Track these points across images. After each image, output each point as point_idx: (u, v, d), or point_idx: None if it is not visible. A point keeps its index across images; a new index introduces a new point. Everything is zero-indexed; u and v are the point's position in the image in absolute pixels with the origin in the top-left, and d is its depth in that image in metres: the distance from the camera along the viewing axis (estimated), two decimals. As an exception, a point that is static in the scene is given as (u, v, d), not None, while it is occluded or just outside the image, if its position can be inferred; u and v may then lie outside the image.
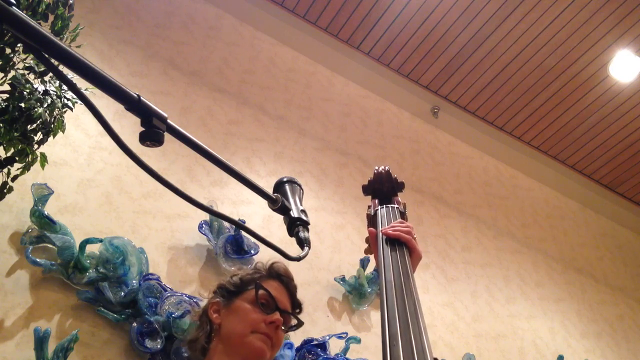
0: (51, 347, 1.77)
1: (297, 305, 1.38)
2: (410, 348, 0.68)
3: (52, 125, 1.77)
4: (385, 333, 0.73)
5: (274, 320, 1.24)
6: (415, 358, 0.66)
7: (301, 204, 0.94)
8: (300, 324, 1.37)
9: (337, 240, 2.87)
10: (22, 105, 1.65)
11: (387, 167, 1.35)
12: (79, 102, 1.62)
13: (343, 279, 2.63)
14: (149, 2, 3.22)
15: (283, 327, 1.28)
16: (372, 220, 1.23)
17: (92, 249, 2.00)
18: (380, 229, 1.12)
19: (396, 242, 1.05)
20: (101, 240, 2.01)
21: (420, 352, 0.67)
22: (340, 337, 2.38)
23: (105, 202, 2.27)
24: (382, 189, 1.32)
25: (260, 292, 1.27)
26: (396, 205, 1.24)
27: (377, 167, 1.36)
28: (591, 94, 3.82)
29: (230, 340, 1.22)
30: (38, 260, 1.91)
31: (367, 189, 1.35)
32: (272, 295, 1.28)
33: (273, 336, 1.23)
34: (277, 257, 0.85)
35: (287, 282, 1.36)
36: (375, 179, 1.34)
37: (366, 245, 1.22)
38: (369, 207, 1.29)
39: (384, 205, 1.24)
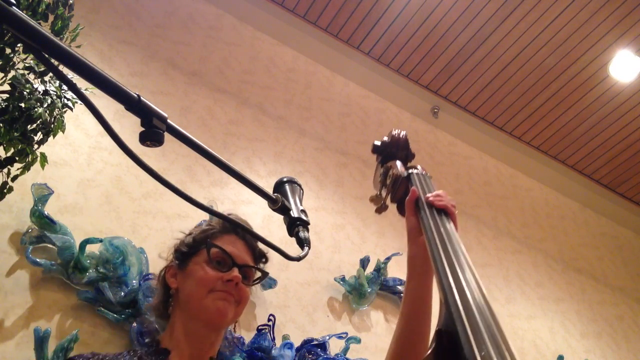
0: (51, 347, 1.77)
1: (259, 257, 1.27)
2: (487, 322, 0.64)
3: (52, 125, 1.77)
4: (457, 303, 0.67)
5: (231, 278, 1.15)
6: (496, 333, 0.62)
7: (301, 204, 0.94)
8: (264, 275, 1.27)
9: (337, 240, 2.87)
10: (22, 105, 1.65)
11: (405, 133, 1.29)
12: (79, 102, 1.62)
13: (343, 279, 2.62)
14: (149, 2, 3.22)
15: (246, 282, 1.19)
16: (398, 181, 1.16)
17: (92, 249, 2.00)
18: (422, 195, 1.07)
19: (442, 212, 1.01)
20: (101, 240, 2.01)
21: (495, 329, 0.63)
22: (340, 337, 2.38)
23: (105, 202, 2.27)
24: (396, 153, 1.26)
25: (213, 250, 1.18)
26: (428, 174, 1.18)
27: (396, 131, 1.30)
28: (591, 94, 3.82)
29: (189, 304, 1.15)
30: (38, 260, 1.91)
31: (379, 149, 1.29)
32: (227, 251, 1.18)
33: (234, 293, 1.15)
34: (278, 257, 0.84)
35: (243, 234, 1.24)
36: (392, 142, 1.28)
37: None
38: (388, 166, 1.22)
39: (417, 171, 1.17)
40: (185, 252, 1.23)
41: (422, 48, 3.73)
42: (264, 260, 1.29)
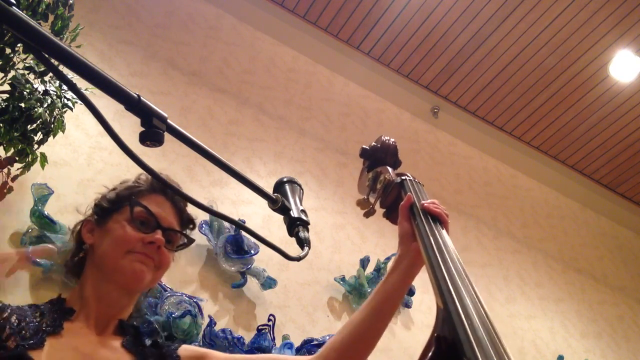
0: (51, 347, 1.77)
1: (187, 221, 1.18)
2: (487, 330, 0.65)
3: (52, 125, 1.77)
4: (457, 310, 0.67)
5: (153, 240, 1.06)
6: (497, 341, 0.63)
7: (301, 204, 0.93)
8: (190, 241, 1.18)
9: (337, 240, 2.87)
10: (22, 105, 1.65)
11: (394, 140, 1.28)
12: (79, 102, 1.62)
13: (343, 279, 2.63)
14: (149, 2, 3.22)
15: (169, 247, 1.11)
16: (390, 187, 1.15)
17: (92, 249, 2.00)
18: (417, 201, 1.06)
19: (437, 219, 1.00)
20: (101, 240, 2.01)
21: (495, 337, 0.64)
22: (340, 337, 2.37)
23: (105, 202, 2.27)
24: (385, 159, 1.25)
25: (137, 208, 1.08)
26: (420, 182, 1.17)
27: (386, 137, 1.28)
28: (591, 94, 3.82)
29: (103, 263, 1.06)
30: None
31: (367, 154, 1.27)
32: (152, 211, 1.09)
33: (154, 256, 1.06)
34: (278, 257, 0.84)
35: (172, 195, 1.15)
36: (382, 147, 1.26)
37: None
38: (378, 171, 1.21)
39: (410, 178, 1.16)
40: (106, 208, 1.13)
41: (422, 48, 3.73)
42: (191, 226, 1.21)
